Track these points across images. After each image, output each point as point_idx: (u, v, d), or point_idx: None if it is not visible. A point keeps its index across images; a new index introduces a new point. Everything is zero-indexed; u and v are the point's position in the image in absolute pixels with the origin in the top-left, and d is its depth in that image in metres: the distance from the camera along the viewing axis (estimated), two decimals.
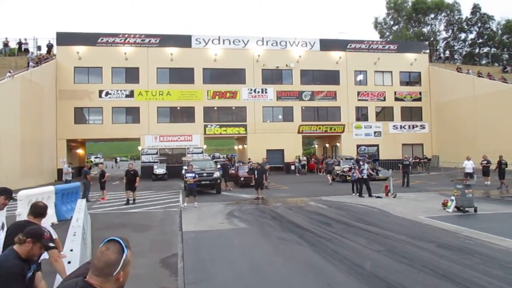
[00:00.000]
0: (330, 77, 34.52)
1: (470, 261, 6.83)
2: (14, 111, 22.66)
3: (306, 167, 33.27)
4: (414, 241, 8.34)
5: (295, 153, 33.02)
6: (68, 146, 30.77)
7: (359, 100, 34.85)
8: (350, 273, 6.33)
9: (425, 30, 57.25)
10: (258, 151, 30.19)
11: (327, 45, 34.51)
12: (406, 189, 19.04)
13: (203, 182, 17.89)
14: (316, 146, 45.67)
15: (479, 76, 32.20)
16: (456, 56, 53.62)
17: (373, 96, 35.12)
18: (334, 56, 34.32)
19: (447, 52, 50.92)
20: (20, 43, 33.13)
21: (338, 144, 35.16)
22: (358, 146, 34.32)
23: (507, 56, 52.50)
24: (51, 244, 3.30)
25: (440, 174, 28.04)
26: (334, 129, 34.31)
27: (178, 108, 32.44)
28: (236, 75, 32.92)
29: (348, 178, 20.54)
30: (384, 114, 35.53)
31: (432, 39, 53.88)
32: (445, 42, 57.25)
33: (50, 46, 32.93)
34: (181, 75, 32.09)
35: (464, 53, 54.92)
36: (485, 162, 19.93)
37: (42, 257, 3.36)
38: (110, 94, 31.01)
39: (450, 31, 57.35)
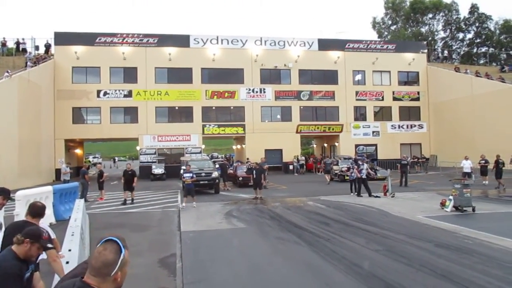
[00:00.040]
0: (328, 77, 34.55)
1: (468, 260, 6.83)
2: (12, 111, 22.59)
3: (305, 167, 33.28)
4: (413, 241, 8.35)
5: (294, 153, 33.03)
6: (66, 146, 30.70)
7: (357, 99, 34.89)
8: (348, 272, 6.33)
9: (423, 30, 57.39)
10: (257, 151, 30.18)
11: (325, 45, 34.54)
12: (404, 188, 19.06)
13: (201, 182, 17.89)
14: (315, 146, 45.72)
15: (477, 75, 32.28)
16: (454, 56, 53.74)
17: (371, 95, 35.16)
18: (332, 56, 34.34)
19: (445, 51, 51.05)
20: (18, 43, 33.02)
21: (336, 144, 35.20)
22: (356, 145, 34.36)
23: (505, 55, 52.66)
24: (49, 245, 3.29)
25: (438, 173, 28.11)
26: (333, 129, 34.34)
27: (177, 108, 32.41)
28: (234, 75, 32.91)
29: (346, 177, 20.57)
30: (382, 114, 35.58)
31: (430, 38, 53.99)
32: (443, 41, 57.40)
33: (48, 46, 32.84)
34: (179, 75, 32.05)
35: (462, 52, 55.06)
36: (483, 161, 19.99)
37: (40, 257, 3.35)
38: (108, 94, 30.96)
39: (448, 30, 57.49)
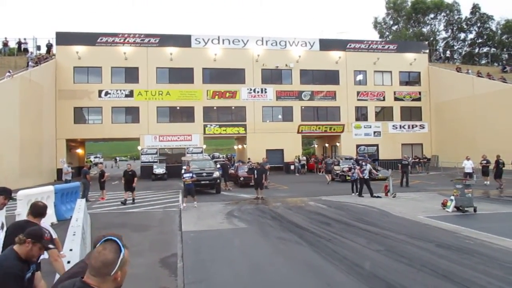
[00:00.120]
0: (329, 77, 34.52)
1: (469, 261, 6.82)
2: (13, 111, 22.64)
3: (306, 167, 33.29)
4: (414, 241, 8.34)
5: (295, 153, 33.02)
6: (67, 146, 30.76)
7: (358, 100, 34.86)
8: (349, 273, 6.33)
9: (424, 30, 57.29)
10: (258, 151, 30.20)
11: (326, 45, 34.51)
12: (406, 189, 19.05)
13: (202, 182, 17.91)
14: (316, 146, 45.69)
15: (478, 76, 32.22)
16: (455, 56, 53.62)
17: (372, 96, 35.12)
18: (333, 56, 34.32)
19: (447, 52, 50.91)
20: (19, 43, 33.10)
21: (337, 144, 35.17)
22: (357, 146, 34.34)
23: (506, 56, 52.53)
24: (51, 246, 3.29)
25: (440, 174, 28.06)
26: (334, 129, 34.32)
27: (178, 108, 32.43)
28: (235, 75, 32.92)
29: (347, 178, 20.55)
30: (384, 114, 35.54)
31: (431, 39, 53.92)
32: (444, 42, 57.26)
33: (49, 46, 32.91)
34: (181, 75, 32.08)
35: (463, 53, 54.95)
36: (485, 162, 19.97)
37: (41, 257, 3.36)
38: (110, 94, 31.00)
39: (450, 31, 57.39)
